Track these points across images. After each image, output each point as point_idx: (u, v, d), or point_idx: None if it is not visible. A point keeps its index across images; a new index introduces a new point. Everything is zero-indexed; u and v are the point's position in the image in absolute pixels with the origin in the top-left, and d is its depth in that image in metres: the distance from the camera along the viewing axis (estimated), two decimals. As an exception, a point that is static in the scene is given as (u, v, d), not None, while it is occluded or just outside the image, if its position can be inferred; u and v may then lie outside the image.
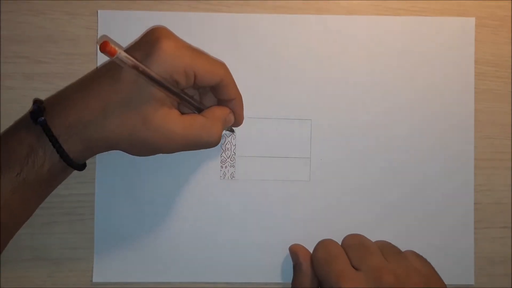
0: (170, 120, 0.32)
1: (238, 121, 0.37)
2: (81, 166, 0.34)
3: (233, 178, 0.39)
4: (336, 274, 0.33)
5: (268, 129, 0.39)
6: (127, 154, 0.35)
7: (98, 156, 0.39)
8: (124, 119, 0.31)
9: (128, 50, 0.32)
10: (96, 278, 0.39)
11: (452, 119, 0.40)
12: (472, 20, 0.40)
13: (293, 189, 0.39)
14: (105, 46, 0.27)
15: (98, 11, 0.39)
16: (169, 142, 0.33)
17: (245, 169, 0.39)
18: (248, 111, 0.39)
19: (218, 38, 0.39)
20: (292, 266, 0.38)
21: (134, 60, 0.29)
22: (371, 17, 0.40)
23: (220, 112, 0.35)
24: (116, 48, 0.27)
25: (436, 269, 0.35)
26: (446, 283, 0.35)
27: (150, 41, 0.32)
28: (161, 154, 0.35)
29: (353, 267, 0.34)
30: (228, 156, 0.39)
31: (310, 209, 0.39)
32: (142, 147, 0.33)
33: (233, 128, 0.39)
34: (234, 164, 0.39)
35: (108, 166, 0.39)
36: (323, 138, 0.39)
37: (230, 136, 0.39)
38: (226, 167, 0.39)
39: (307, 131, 0.39)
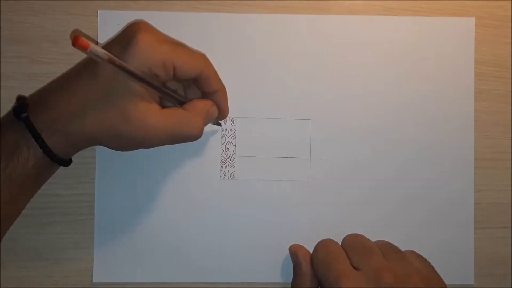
0: (149, 114, 0.32)
1: (222, 114, 0.37)
2: (67, 162, 0.34)
3: (233, 178, 0.39)
4: (336, 274, 0.33)
5: (268, 129, 0.39)
6: (127, 154, 0.36)
7: (98, 156, 0.39)
8: (104, 114, 0.31)
9: (106, 45, 0.32)
10: (96, 278, 0.39)
11: (452, 119, 0.40)
12: (472, 20, 0.40)
13: (293, 189, 0.39)
14: (76, 40, 0.26)
15: (98, 11, 0.39)
16: (149, 136, 0.32)
17: (245, 169, 0.39)
18: (248, 111, 0.39)
19: (218, 38, 0.39)
20: (292, 266, 0.38)
21: (109, 54, 0.29)
22: (371, 17, 0.40)
23: (201, 105, 0.35)
24: (89, 42, 0.27)
25: (436, 269, 0.35)
26: (446, 283, 0.35)
27: (128, 35, 0.32)
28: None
29: (353, 267, 0.34)
30: (228, 156, 0.39)
31: (310, 209, 0.39)
32: (123, 142, 0.33)
33: (219, 121, 0.39)
34: (234, 164, 0.39)
35: (108, 166, 0.39)
36: (323, 138, 0.39)
37: (230, 136, 0.39)
38: (226, 167, 0.39)
39: (307, 131, 0.39)
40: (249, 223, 0.39)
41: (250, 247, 0.39)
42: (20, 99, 0.33)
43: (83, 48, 0.27)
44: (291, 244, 0.39)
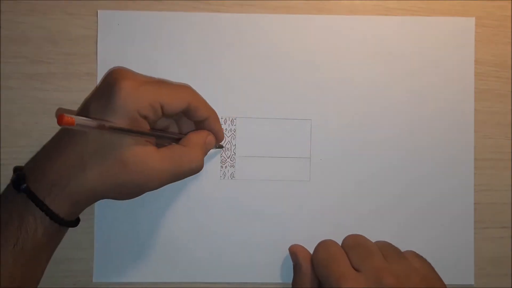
0: (147, 157, 0.32)
1: (218, 138, 0.37)
2: (74, 222, 0.34)
3: (233, 178, 0.39)
4: (337, 275, 0.33)
5: (268, 129, 0.39)
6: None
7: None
8: (102, 168, 0.31)
9: (89, 99, 0.33)
10: (96, 278, 0.39)
11: (452, 119, 0.40)
12: (472, 20, 0.40)
13: (293, 189, 0.39)
14: (61, 119, 0.26)
15: (98, 11, 0.39)
16: (152, 179, 0.32)
17: (245, 169, 0.39)
18: (248, 111, 0.39)
19: (218, 38, 0.39)
20: (292, 266, 0.38)
21: (96, 120, 0.29)
22: (371, 17, 0.40)
23: (197, 137, 0.35)
24: (73, 117, 0.27)
25: (436, 269, 0.35)
26: (446, 283, 0.35)
27: (109, 85, 0.32)
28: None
29: (354, 268, 0.34)
30: (228, 156, 0.39)
31: (310, 209, 0.39)
32: (126, 190, 0.33)
33: (220, 144, 0.39)
34: (234, 164, 0.39)
35: (108, 166, 0.39)
36: (323, 138, 0.39)
37: (230, 136, 0.39)
38: (226, 167, 0.39)
39: (307, 131, 0.39)
40: (249, 223, 0.39)
41: (250, 247, 0.39)
42: (17, 170, 0.32)
43: (70, 125, 0.27)
44: (291, 244, 0.39)
